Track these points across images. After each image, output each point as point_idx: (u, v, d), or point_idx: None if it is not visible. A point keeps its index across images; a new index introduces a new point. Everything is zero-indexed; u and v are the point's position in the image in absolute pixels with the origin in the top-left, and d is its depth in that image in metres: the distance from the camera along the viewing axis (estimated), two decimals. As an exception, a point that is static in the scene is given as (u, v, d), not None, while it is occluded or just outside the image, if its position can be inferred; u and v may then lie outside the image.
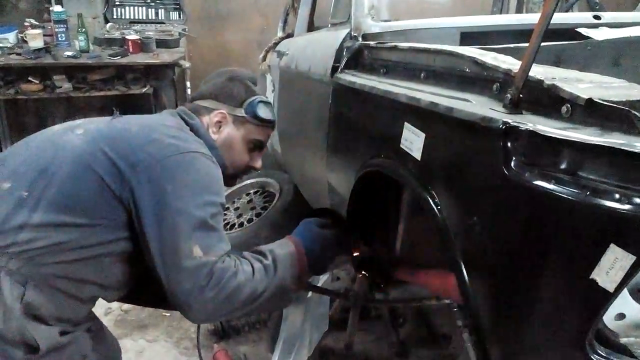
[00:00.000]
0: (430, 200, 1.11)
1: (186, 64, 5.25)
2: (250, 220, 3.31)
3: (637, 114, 0.76)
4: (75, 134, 1.42)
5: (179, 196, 1.31)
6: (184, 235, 1.28)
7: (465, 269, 1.01)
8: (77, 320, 1.34)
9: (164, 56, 5.18)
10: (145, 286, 1.53)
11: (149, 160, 1.33)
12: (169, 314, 2.96)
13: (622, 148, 0.72)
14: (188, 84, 5.49)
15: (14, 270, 1.21)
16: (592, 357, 0.80)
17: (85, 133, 1.42)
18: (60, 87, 4.88)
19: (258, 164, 1.76)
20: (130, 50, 5.07)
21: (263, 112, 1.68)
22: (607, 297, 0.75)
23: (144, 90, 5.19)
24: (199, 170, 1.38)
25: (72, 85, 4.95)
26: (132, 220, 1.32)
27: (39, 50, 4.76)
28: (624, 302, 0.85)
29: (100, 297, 1.39)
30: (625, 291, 0.86)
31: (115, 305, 2.92)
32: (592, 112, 0.83)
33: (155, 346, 2.79)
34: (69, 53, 4.87)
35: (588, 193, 0.75)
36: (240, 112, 1.67)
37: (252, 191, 3.54)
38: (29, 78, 4.86)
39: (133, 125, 1.47)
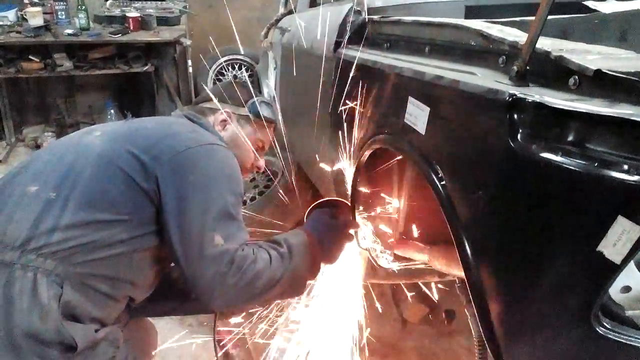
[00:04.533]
0: (434, 175, 1.10)
1: (187, 41, 5.20)
2: (253, 199, 3.32)
3: (646, 84, 0.75)
4: (93, 136, 1.46)
5: (200, 186, 1.34)
6: (205, 224, 1.31)
7: (470, 243, 1.01)
8: (110, 320, 1.36)
9: (165, 34, 5.15)
10: (170, 286, 1.60)
11: (170, 152, 1.37)
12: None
13: (631, 118, 0.71)
14: (189, 62, 5.45)
15: (50, 270, 1.22)
16: (597, 329, 0.80)
17: (104, 134, 1.46)
18: (61, 65, 4.86)
19: (261, 162, 1.82)
20: (131, 28, 5.04)
21: (265, 111, 1.75)
22: (613, 270, 0.74)
23: (145, 68, 5.17)
24: (219, 162, 1.42)
25: (72, 64, 4.93)
26: (158, 213, 1.35)
27: (39, 28, 4.72)
28: (630, 275, 0.85)
29: (132, 295, 1.41)
30: (631, 264, 0.85)
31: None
32: (600, 83, 0.81)
33: (159, 323, 2.80)
34: (70, 31, 4.84)
35: (596, 164, 0.74)
36: (244, 111, 1.73)
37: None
38: (30, 56, 4.84)
39: (149, 123, 1.53)
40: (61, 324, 1.20)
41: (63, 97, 5.91)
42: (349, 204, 1.78)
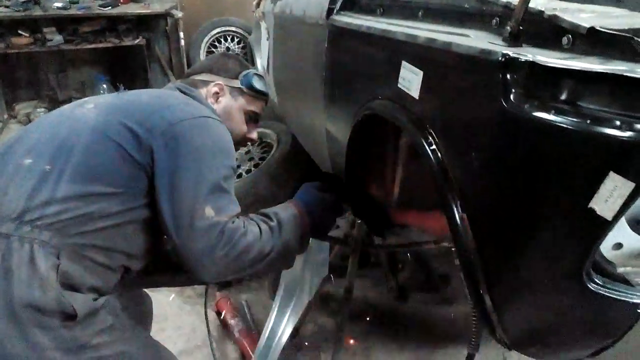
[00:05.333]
0: (428, 140, 1.10)
1: (178, 13, 5.14)
2: (248, 172, 3.32)
3: (639, 40, 0.75)
4: (86, 109, 1.44)
5: (193, 158, 1.34)
6: (197, 197, 1.31)
7: (461, 206, 1.01)
8: (108, 289, 1.37)
9: (155, 6, 5.08)
10: (165, 258, 1.61)
11: (164, 124, 1.36)
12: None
13: (625, 75, 0.71)
14: (181, 34, 5.39)
15: (46, 241, 1.22)
16: (589, 286, 0.81)
17: (97, 106, 1.44)
18: (51, 40, 4.81)
19: (254, 135, 1.81)
20: (121, 0, 4.96)
21: (258, 84, 1.74)
22: (605, 226, 0.75)
23: (136, 41, 5.11)
24: (212, 135, 1.42)
25: (63, 38, 4.88)
26: (152, 186, 1.35)
27: (27, 2, 4.65)
28: (621, 232, 0.86)
29: (127, 266, 1.41)
30: (623, 221, 0.86)
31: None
32: (593, 41, 0.81)
33: (157, 296, 2.82)
34: (58, 4, 4.76)
35: (588, 122, 0.74)
36: (237, 83, 1.72)
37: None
38: (19, 31, 4.78)
39: (142, 95, 1.53)
40: (61, 294, 1.20)
41: (54, 73, 5.85)
42: (342, 176, 1.78)
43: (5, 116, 5.55)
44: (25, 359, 1.17)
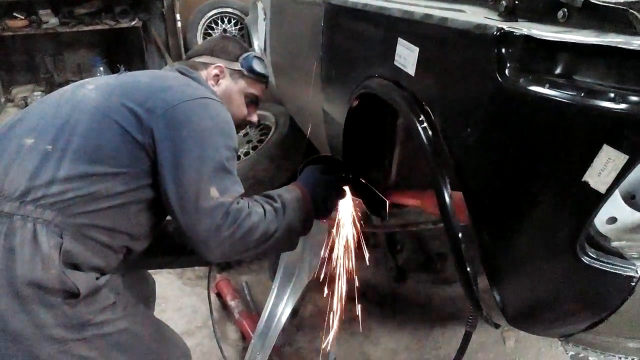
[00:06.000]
0: (420, 118, 1.10)
1: (175, -5, 5.10)
2: (247, 154, 3.31)
3: (635, 13, 0.74)
4: (87, 89, 1.45)
5: (195, 140, 1.34)
6: (201, 178, 1.32)
7: (458, 183, 1.02)
8: (110, 269, 1.38)
9: (152, -13, 5.03)
10: (166, 239, 1.64)
11: (164, 106, 1.36)
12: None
13: (619, 46, 0.70)
14: (178, 16, 5.36)
15: (49, 220, 1.23)
16: (583, 259, 0.82)
17: (97, 87, 1.45)
18: (47, 22, 4.78)
19: (254, 117, 1.83)
20: (117, -19, 4.91)
21: (258, 66, 1.75)
22: (598, 199, 0.75)
23: (132, 23, 5.08)
24: (213, 115, 1.42)
25: (58, 20, 4.84)
26: (154, 166, 1.36)
27: (22, -17, 4.60)
28: (616, 206, 0.86)
29: (130, 246, 1.42)
30: (617, 195, 0.86)
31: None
32: (588, 14, 0.80)
33: (158, 278, 2.84)
34: (53, -14, 4.71)
35: (582, 95, 0.74)
36: (237, 65, 1.73)
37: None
38: (14, 14, 4.74)
39: (142, 76, 1.52)
40: (63, 272, 1.22)
41: (51, 56, 5.82)
42: (341, 158, 1.78)
43: (2, 100, 5.53)
44: (28, 336, 1.19)
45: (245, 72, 1.73)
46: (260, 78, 1.78)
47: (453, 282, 2.78)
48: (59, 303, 1.22)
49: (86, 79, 1.57)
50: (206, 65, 1.71)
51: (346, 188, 1.71)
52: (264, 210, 1.42)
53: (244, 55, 1.74)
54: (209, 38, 1.82)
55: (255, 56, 1.76)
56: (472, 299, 1.09)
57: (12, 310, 1.17)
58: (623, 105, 0.70)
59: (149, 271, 1.96)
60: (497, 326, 1.18)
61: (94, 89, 1.44)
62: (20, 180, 1.25)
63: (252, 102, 1.80)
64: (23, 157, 1.29)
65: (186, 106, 1.38)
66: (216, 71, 1.69)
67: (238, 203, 1.36)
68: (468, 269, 1.03)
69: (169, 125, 1.35)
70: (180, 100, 1.38)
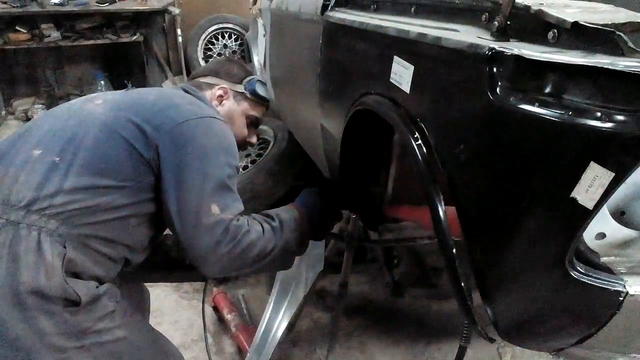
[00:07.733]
0: (414, 135, 1.12)
1: (176, 10, 5.15)
2: (245, 168, 3.33)
3: (622, 35, 0.76)
4: (95, 104, 1.48)
5: (198, 157, 1.38)
6: (203, 194, 1.35)
7: (452, 200, 1.03)
8: (109, 279, 1.40)
9: (153, 2, 5.09)
10: (163, 254, 1.68)
11: (171, 123, 1.40)
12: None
13: (606, 67, 0.72)
14: (179, 31, 5.40)
15: (53, 230, 1.25)
16: (572, 274, 0.83)
17: (105, 102, 1.48)
18: (49, 36, 4.82)
19: (254, 139, 1.88)
20: (118, -4, 4.97)
21: (260, 90, 1.81)
22: (586, 215, 0.77)
23: (134, 38, 5.12)
24: (217, 134, 1.46)
25: (60, 34, 4.89)
26: (158, 181, 1.39)
27: (25, -2, 4.65)
28: (604, 222, 0.88)
29: (128, 258, 1.45)
30: (605, 211, 0.88)
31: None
32: (577, 36, 0.83)
33: (155, 290, 2.85)
34: (56, 0, 4.77)
35: (570, 113, 0.76)
36: (240, 88, 1.79)
37: (246, 138, 3.53)
38: (17, 27, 4.78)
39: (149, 94, 1.56)
40: (65, 281, 1.24)
41: (52, 69, 5.86)
42: (338, 172, 1.80)
43: (3, 112, 5.55)
44: (27, 343, 1.20)
45: (248, 95, 1.79)
46: (262, 101, 1.84)
47: (449, 297, 2.78)
48: (60, 311, 1.23)
49: (94, 94, 1.61)
50: (211, 85, 1.76)
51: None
52: (263, 228, 1.45)
53: (248, 78, 1.80)
54: (213, 59, 1.87)
55: (258, 80, 1.82)
56: (467, 313, 1.10)
57: (12, 317, 1.18)
58: (609, 124, 0.72)
59: (145, 284, 1.97)
60: (492, 340, 1.19)
61: (101, 103, 1.47)
62: (27, 190, 1.27)
63: (253, 123, 1.85)
64: (30, 167, 1.31)
65: (192, 124, 1.42)
66: (220, 92, 1.74)
67: (238, 220, 1.39)
68: (462, 284, 1.05)
69: (175, 142, 1.38)
70: (186, 118, 1.42)
